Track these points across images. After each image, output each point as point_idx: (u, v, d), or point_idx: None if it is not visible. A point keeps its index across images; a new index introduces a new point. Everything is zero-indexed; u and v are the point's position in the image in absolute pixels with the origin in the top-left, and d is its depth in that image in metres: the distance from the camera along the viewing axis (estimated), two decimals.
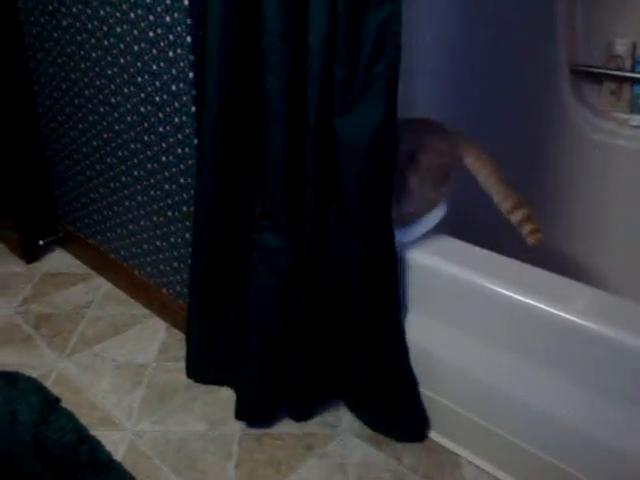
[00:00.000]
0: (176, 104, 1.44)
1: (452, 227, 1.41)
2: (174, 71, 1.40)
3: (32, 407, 1.45)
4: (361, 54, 1.11)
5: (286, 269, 1.32)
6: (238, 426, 1.44)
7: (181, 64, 1.37)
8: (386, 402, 1.39)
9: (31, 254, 2.11)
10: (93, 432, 1.40)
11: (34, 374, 1.58)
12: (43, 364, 1.64)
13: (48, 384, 1.55)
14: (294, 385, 1.42)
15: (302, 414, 1.46)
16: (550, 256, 1.37)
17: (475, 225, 1.55)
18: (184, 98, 1.41)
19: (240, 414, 1.44)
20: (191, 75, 1.36)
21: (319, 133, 1.20)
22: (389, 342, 1.34)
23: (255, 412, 1.45)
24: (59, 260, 2.14)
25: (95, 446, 1.36)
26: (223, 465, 1.34)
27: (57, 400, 1.49)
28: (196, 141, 1.42)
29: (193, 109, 1.40)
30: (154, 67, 1.45)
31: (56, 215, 2.16)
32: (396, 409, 1.39)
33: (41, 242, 2.14)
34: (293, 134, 1.23)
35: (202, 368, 1.53)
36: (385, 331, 1.33)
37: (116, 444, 1.38)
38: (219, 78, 1.24)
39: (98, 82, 1.66)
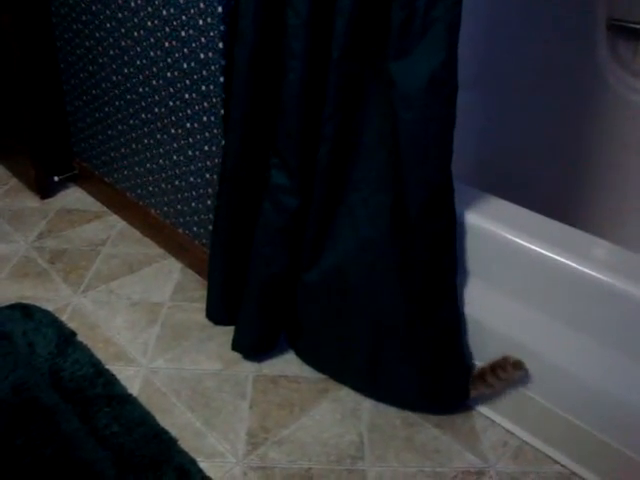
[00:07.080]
0: (202, 39, 1.40)
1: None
2: None
3: (48, 340, 1.46)
4: None
5: (291, 209, 1.31)
6: (253, 367, 1.45)
7: None
8: (428, 374, 1.31)
9: (46, 190, 2.10)
10: (108, 367, 1.41)
11: (50, 308, 1.58)
12: (59, 299, 1.64)
13: (64, 318, 1.56)
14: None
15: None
16: (580, 214, 1.35)
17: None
18: (211, 33, 1.37)
19: (235, 345, 1.47)
20: None
21: (340, 69, 1.17)
22: (444, 303, 1.27)
23: (249, 345, 1.48)
24: (74, 197, 2.12)
25: (111, 380, 1.37)
26: (237, 404, 1.36)
27: (73, 334, 1.50)
28: (222, 79, 1.39)
29: (220, 45, 1.36)
30: None
31: (72, 152, 2.14)
32: (440, 381, 1.32)
33: (56, 178, 2.12)
34: (311, 73, 1.20)
35: (222, 311, 1.53)
36: (441, 295, 1.27)
37: (131, 379, 1.40)
38: (254, 14, 1.21)
39: (120, 14, 1.61)
